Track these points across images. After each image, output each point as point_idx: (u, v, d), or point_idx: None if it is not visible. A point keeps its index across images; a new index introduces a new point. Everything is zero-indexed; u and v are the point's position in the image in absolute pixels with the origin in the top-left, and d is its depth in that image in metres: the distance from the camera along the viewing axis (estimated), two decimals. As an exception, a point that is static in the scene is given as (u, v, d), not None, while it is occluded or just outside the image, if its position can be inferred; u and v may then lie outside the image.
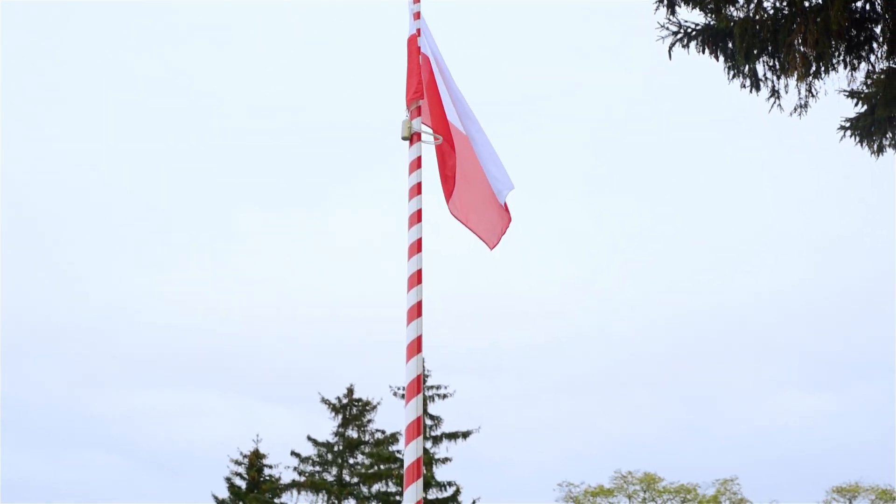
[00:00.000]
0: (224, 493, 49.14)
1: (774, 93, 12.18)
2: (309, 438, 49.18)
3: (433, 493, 47.35)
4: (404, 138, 9.45)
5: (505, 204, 9.64)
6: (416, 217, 9.11)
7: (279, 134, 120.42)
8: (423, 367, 8.49)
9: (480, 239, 9.32)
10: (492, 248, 9.44)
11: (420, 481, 7.42)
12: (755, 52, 11.69)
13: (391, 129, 9.67)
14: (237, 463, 50.01)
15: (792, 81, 11.89)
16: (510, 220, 9.61)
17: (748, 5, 11.63)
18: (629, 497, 49.60)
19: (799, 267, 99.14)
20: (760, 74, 12.08)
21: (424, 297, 8.82)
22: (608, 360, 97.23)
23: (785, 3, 11.42)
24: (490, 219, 9.52)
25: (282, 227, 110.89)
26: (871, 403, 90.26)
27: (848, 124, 12.37)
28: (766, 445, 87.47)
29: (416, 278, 8.81)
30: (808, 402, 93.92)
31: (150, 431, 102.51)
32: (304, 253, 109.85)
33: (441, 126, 9.54)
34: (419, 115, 9.52)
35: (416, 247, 8.97)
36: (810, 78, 11.83)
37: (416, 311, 8.64)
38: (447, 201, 9.34)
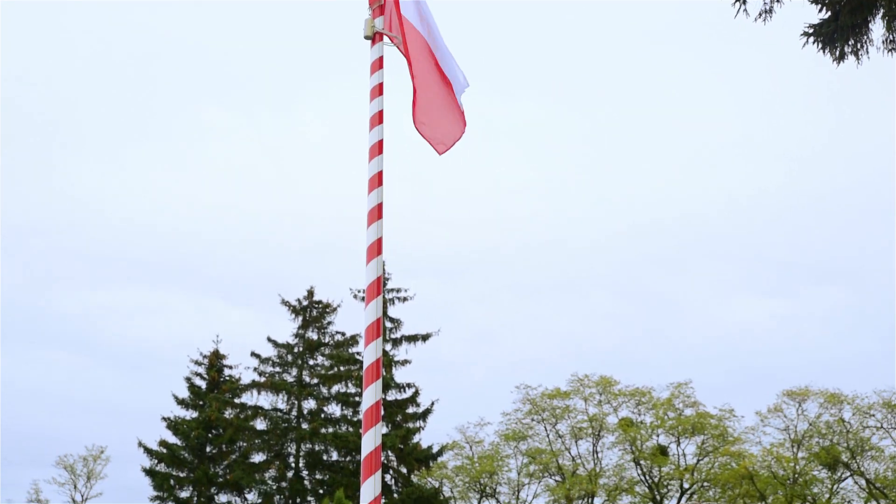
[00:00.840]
0: (184, 393, 49.47)
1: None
2: (269, 340, 49.51)
3: (392, 395, 47.95)
4: (367, 37, 9.30)
5: (462, 111, 9.53)
6: (378, 118, 9.01)
7: (246, 34, 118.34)
8: (384, 269, 8.48)
9: (429, 143, 9.20)
10: (440, 154, 9.32)
11: (379, 382, 7.48)
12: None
13: (358, 28, 9.51)
14: (197, 363, 50.26)
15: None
16: (465, 126, 9.50)
17: None
18: (585, 400, 50.46)
19: (760, 176, 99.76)
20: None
21: (385, 199, 8.79)
22: (568, 266, 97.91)
23: None
24: (446, 124, 9.40)
25: (246, 127, 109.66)
26: (825, 310, 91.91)
27: (811, 31, 12.33)
28: (721, 350, 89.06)
29: (377, 180, 8.75)
30: (763, 309, 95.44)
31: (111, 330, 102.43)
32: (268, 154, 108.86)
33: (401, 27, 9.36)
34: (381, 13, 9.35)
35: (377, 148, 8.90)
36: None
37: (376, 213, 8.61)
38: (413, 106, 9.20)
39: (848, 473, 49.12)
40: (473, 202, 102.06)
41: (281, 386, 47.91)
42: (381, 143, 8.92)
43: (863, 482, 49.07)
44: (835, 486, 49.62)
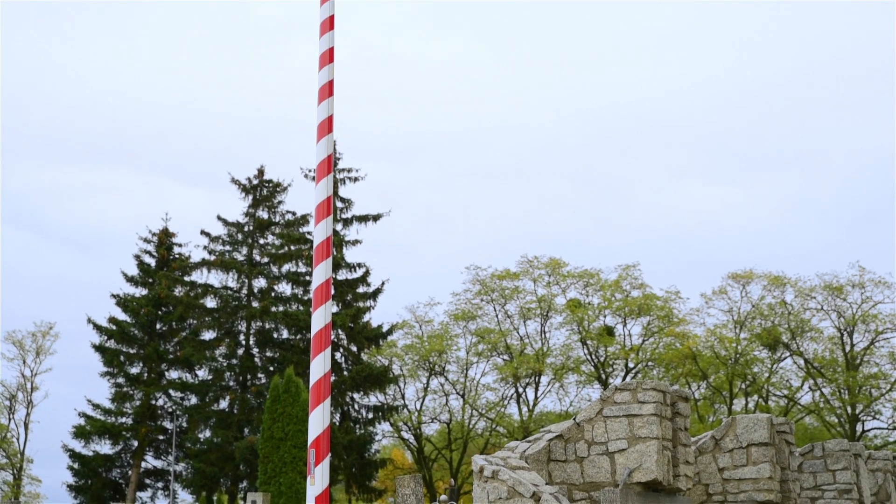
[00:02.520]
0: (133, 271, 49.31)
1: None
2: (219, 218, 49.24)
3: (343, 274, 48.09)
4: None
5: None
6: (329, -7, 8.79)
7: None
8: (334, 148, 8.30)
9: None
10: None
11: (329, 260, 7.47)
12: None
13: None
14: (146, 241, 50.02)
15: None
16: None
17: None
18: (534, 281, 50.96)
19: (713, 62, 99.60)
20: None
21: (337, 77, 8.64)
22: (522, 149, 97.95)
23: None
24: None
25: (197, 3, 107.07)
26: (771, 197, 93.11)
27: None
28: (669, 235, 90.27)
29: (328, 57, 8.59)
30: (711, 194, 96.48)
31: (61, 208, 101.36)
32: (218, 31, 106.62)
33: None
34: None
35: (329, 24, 8.71)
36: None
37: (326, 90, 8.48)
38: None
39: (787, 354, 50.39)
40: (426, 83, 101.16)
41: (231, 264, 47.86)
42: (331, 18, 8.73)
43: (801, 362, 50.42)
44: (774, 366, 50.95)
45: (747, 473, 10.64)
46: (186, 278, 48.63)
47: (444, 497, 9.82)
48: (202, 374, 47.99)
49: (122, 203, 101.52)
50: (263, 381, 46.31)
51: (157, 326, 48.36)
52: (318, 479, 7.02)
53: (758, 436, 10.64)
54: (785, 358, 50.81)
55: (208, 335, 48.06)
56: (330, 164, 8.24)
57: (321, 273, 7.34)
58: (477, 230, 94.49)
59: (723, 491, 10.81)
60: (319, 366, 7.24)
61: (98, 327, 47.55)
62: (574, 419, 9.24)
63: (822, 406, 50.45)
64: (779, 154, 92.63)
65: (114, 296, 48.26)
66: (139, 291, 48.87)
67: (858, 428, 49.35)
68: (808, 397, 51.54)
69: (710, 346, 49.98)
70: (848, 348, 49.75)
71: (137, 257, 49.54)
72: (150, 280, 48.68)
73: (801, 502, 12.50)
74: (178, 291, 48.02)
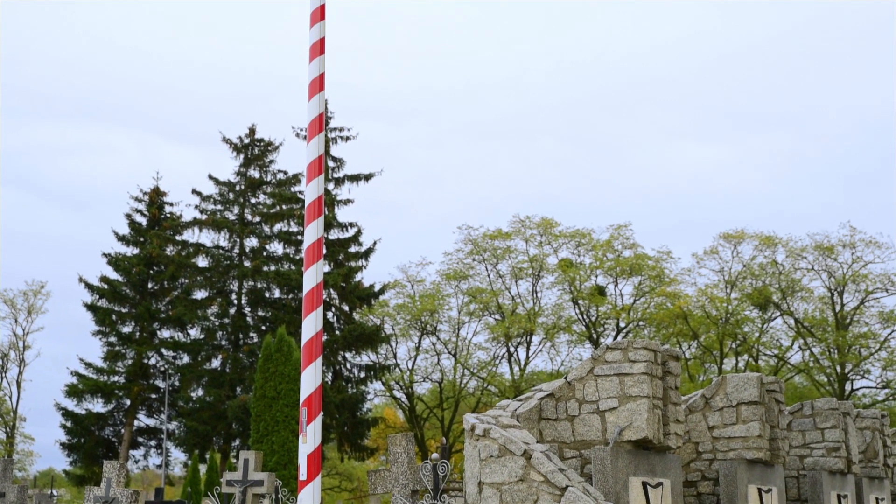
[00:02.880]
0: (125, 230, 49.21)
1: None
2: (210, 177, 49.06)
3: (335, 234, 48.07)
4: None
5: None
6: (320, -51, 8.70)
7: None
8: (326, 107, 8.27)
9: None
10: None
11: (321, 219, 7.45)
12: None
13: None
14: (137, 200, 49.86)
15: None
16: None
17: None
18: (526, 241, 51.02)
19: (706, 19, 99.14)
20: None
21: (328, 35, 8.57)
22: (516, 108, 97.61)
23: None
24: None
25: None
26: (765, 157, 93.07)
27: None
28: (662, 194, 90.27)
29: (320, 14, 8.52)
30: (703, 154, 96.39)
31: (53, 166, 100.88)
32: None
33: None
34: None
35: (320, -20, 8.62)
36: None
37: (318, 48, 8.42)
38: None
39: (778, 313, 50.63)
40: (419, 42, 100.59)
41: (223, 224, 47.77)
42: (323, -26, 8.63)
43: (791, 322, 50.67)
44: (765, 326, 51.21)
45: (737, 432, 10.70)
46: (178, 237, 48.53)
47: (435, 455, 9.89)
48: (194, 333, 48.06)
49: (114, 161, 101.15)
50: (255, 340, 46.39)
51: (149, 286, 48.32)
52: (310, 438, 7.05)
53: (748, 394, 10.70)
54: (775, 318, 51.06)
55: (200, 294, 48.04)
56: (321, 122, 8.19)
57: (313, 232, 7.32)
58: (469, 190, 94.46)
59: (712, 449, 10.88)
60: (311, 324, 7.25)
61: (89, 286, 47.52)
62: (565, 378, 9.27)
63: (811, 365, 50.77)
64: (772, 113, 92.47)
65: (105, 255, 48.18)
66: (130, 250, 48.80)
67: (847, 387, 49.70)
68: (797, 357, 51.88)
69: (700, 305, 50.18)
70: (838, 308, 49.99)
71: (128, 216, 49.41)
72: (142, 239, 48.59)
73: (789, 460, 12.61)
74: (170, 251, 47.94)
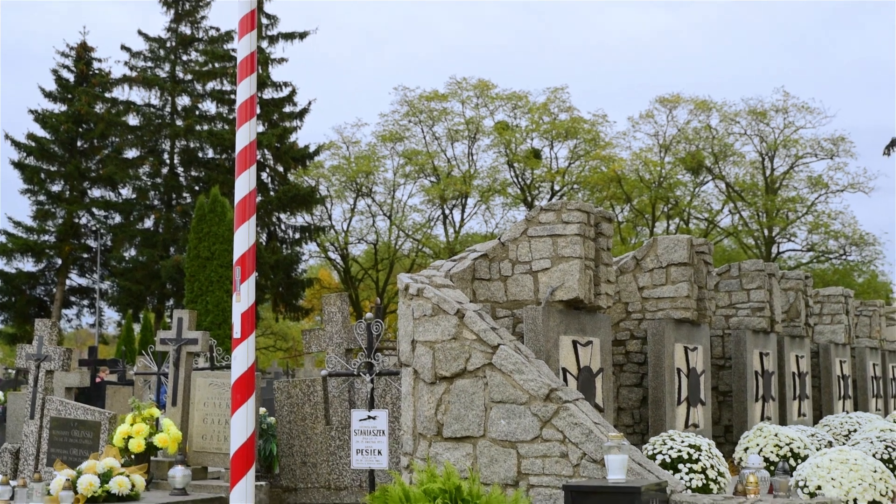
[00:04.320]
0: (51, 86, 47.91)
1: None
2: (140, 33, 47.77)
3: (269, 93, 47.37)
4: None
5: None
6: None
7: None
8: (258, -42, 7.98)
9: None
10: None
11: (254, 77, 7.29)
12: None
13: None
14: (64, 55, 48.41)
15: None
16: None
17: None
18: (462, 103, 50.64)
19: None
20: None
21: None
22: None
23: None
24: None
25: None
26: (702, 21, 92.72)
27: None
28: (598, 57, 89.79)
29: None
30: (643, 18, 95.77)
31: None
32: None
33: None
34: None
35: None
36: None
37: None
38: None
39: (710, 177, 51.29)
40: None
41: (153, 81, 46.74)
42: None
43: (723, 186, 51.41)
44: (696, 190, 51.91)
45: (666, 292, 10.93)
46: (107, 95, 47.42)
47: (369, 315, 9.98)
48: (126, 192, 47.46)
49: (39, 15, 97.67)
50: (189, 200, 45.97)
51: (78, 144, 47.36)
52: (243, 297, 7.05)
53: (677, 256, 10.89)
54: (707, 182, 51.74)
55: (131, 153, 47.28)
56: (253, -25, 7.94)
57: (245, 90, 7.17)
58: (407, 51, 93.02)
59: (642, 309, 11.12)
60: (244, 183, 7.16)
61: (16, 143, 46.42)
62: (499, 239, 9.34)
63: (740, 229, 51.79)
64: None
65: (32, 111, 46.97)
66: (58, 108, 47.62)
67: (774, 250, 50.90)
68: (727, 220, 52.83)
69: (634, 169, 50.61)
70: (768, 173, 50.77)
71: (55, 72, 48.03)
72: (70, 96, 47.36)
73: (716, 319, 12.94)
74: (99, 108, 46.88)
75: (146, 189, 46.67)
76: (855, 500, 7.74)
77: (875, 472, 7.94)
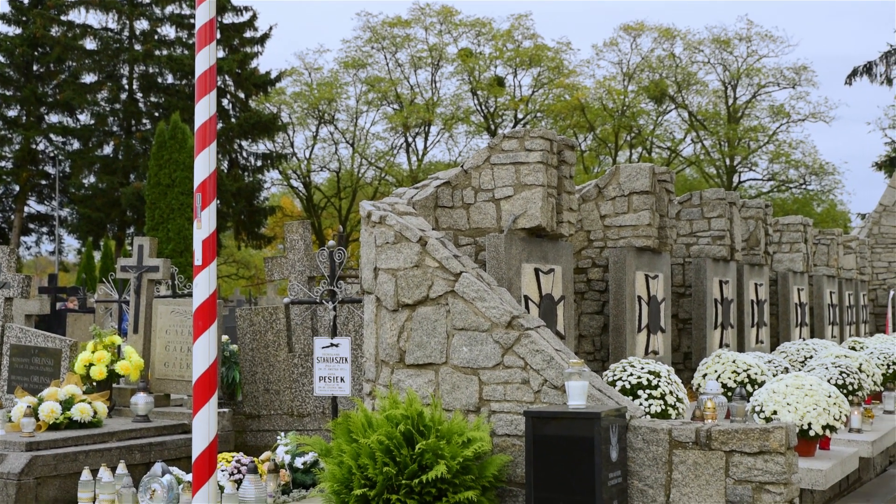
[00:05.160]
0: (5, 8, 46.83)
1: None
2: (95, -46, 46.67)
3: (229, 18, 46.68)
4: None
5: None
6: None
7: None
8: None
9: None
10: None
11: (213, 0, 7.15)
12: None
13: None
14: (18, -23, 47.27)
15: None
16: None
17: None
18: (426, 29, 50.11)
19: None
20: None
21: None
22: None
23: None
24: None
25: None
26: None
27: None
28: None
29: None
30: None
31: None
32: None
33: None
34: None
35: None
36: None
37: None
38: None
39: (672, 106, 51.35)
40: None
41: (110, 4, 45.81)
42: None
43: (685, 115, 51.50)
44: (659, 119, 51.98)
45: (628, 220, 10.97)
46: (63, 18, 46.44)
47: (332, 242, 9.97)
48: (84, 118, 46.75)
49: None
50: (149, 127, 45.40)
51: (35, 68, 46.50)
52: (204, 223, 6.98)
53: (640, 184, 10.92)
54: (670, 111, 51.80)
55: (89, 79, 46.49)
56: None
57: (204, 13, 7.03)
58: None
59: (603, 237, 11.17)
60: (204, 109, 7.06)
61: (-30, 68, 45.53)
62: (462, 166, 9.32)
63: (702, 158, 52.02)
64: None
65: (-15, 35, 46.02)
66: (13, 30, 46.60)
67: (735, 179, 51.24)
68: (689, 149, 53.02)
69: (598, 97, 50.52)
70: (731, 102, 50.90)
71: (9, -6, 46.98)
72: (24, 18, 46.31)
73: (676, 248, 13.04)
74: (55, 32, 45.93)
75: (105, 115, 46.02)
76: (809, 425, 7.89)
77: (829, 396, 8.10)
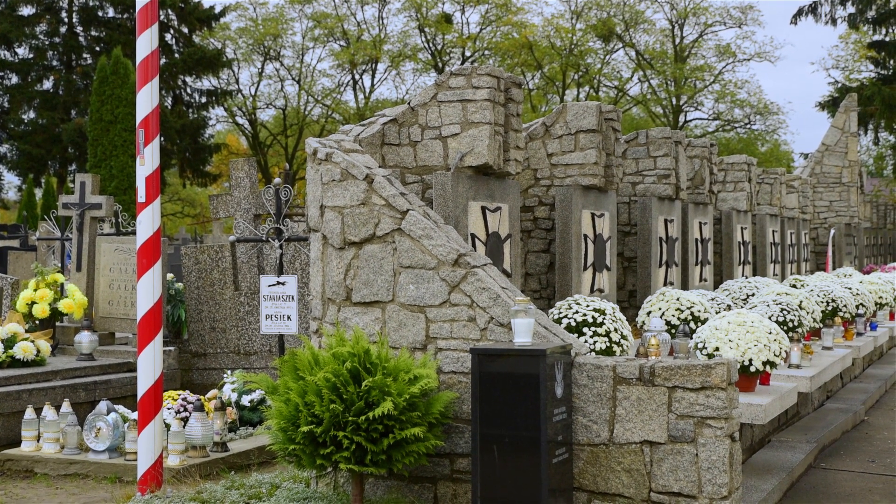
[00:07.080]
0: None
1: None
2: None
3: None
4: None
5: None
6: None
7: None
8: None
9: None
10: None
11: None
12: None
13: None
14: None
15: None
16: None
17: None
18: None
19: None
20: None
21: None
22: None
23: None
24: None
25: None
26: None
27: None
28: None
29: None
30: None
31: None
32: None
33: None
34: None
35: None
36: None
37: None
38: None
39: (620, 45, 51.33)
40: None
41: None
42: None
43: (633, 54, 51.53)
44: (607, 57, 51.96)
45: (574, 159, 10.99)
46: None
47: (278, 180, 9.89)
48: (22, 52, 45.65)
49: None
50: (90, 61, 44.47)
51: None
52: (147, 160, 6.89)
53: (586, 123, 10.92)
54: (617, 50, 51.80)
55: (26, 10, 45.32)
56: None
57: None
58: None
59: (550, 176, 11.18)
60: (146, 43, 6.93)
61: None
62: (409, 103, 9.24)
63: (649, 97, 52.19)
64: None
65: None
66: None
67: (681, 118, 51.52)
68: (636, 89, 53.18)
69: (546, 36, 50.35)
70: (678, 41, 50.98)
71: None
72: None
73: (622, 187, 13.10)
74: (-9, -37, 44.67)
75: (44, 49, 44.98)
76: (751, 361, 8.02)
77: (770, 333, 8.22)
